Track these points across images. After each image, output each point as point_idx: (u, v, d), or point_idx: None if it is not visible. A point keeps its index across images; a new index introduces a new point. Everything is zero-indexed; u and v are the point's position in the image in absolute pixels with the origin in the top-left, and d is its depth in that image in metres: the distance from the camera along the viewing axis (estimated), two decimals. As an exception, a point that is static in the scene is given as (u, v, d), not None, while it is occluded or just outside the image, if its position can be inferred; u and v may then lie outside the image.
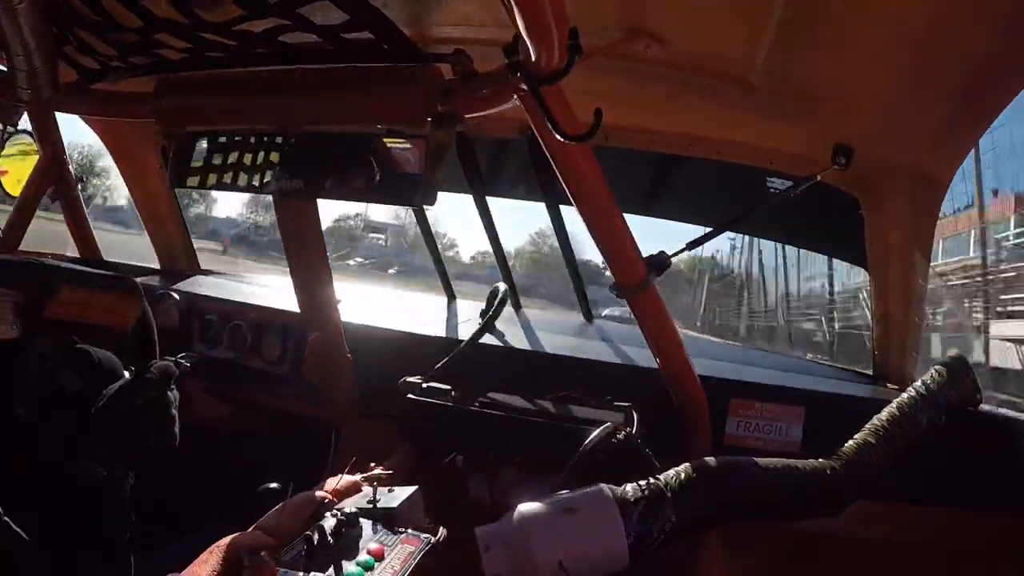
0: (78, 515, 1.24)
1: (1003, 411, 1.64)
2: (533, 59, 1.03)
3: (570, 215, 2.17)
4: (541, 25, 0.92)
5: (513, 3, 0.86)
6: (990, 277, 13.81)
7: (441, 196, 1.23)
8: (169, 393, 1.44)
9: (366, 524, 1.21)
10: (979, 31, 1.06)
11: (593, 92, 1.21)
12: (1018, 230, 14.86)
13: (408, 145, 1.25)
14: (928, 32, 1.09)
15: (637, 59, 1.32)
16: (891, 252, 1.65)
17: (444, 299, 2.69)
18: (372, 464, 1.60)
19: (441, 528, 1.26)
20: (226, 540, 1.06)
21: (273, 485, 1.47)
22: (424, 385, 1.69)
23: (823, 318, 17.47)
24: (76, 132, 2.46)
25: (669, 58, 1.32)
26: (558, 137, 1.14)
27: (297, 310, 1.85)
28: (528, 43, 0.99)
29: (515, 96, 1.18)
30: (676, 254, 1.55)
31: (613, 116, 1.13)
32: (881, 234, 1.65)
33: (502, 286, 2.20)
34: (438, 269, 2.74)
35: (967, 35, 1.08)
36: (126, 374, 1.40)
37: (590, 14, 1.07)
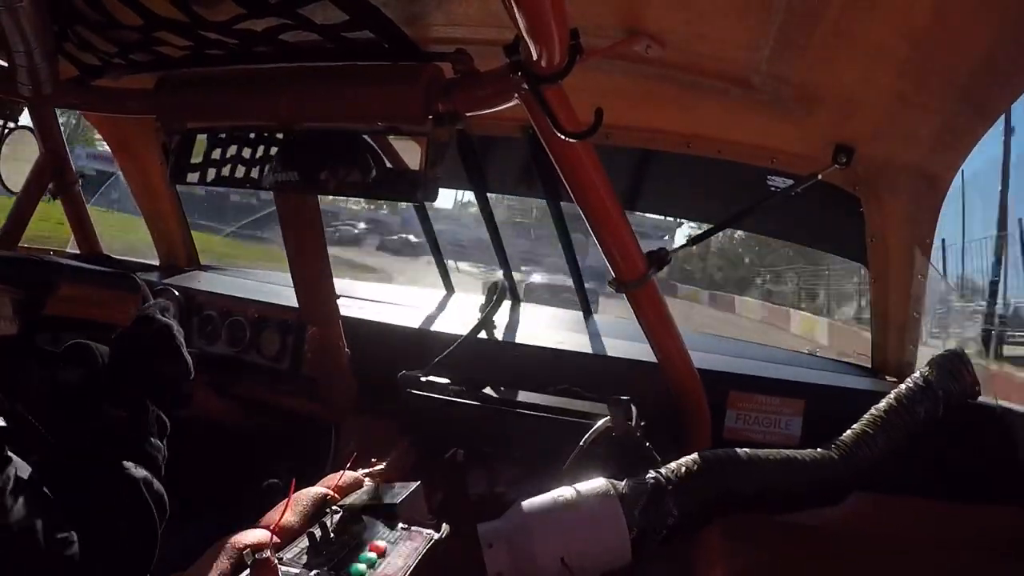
0: (108, 461, 1.24)
1: (1002, 403, 1.64)
2: (534, 58, 1.03)
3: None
4: (542, 25, 0.92)
5: (514, 3, 0.86)
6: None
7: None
8: (174, 321, 1.44)
9: (368, 520, 1.22)
10: (980, 30, 1.06)
11: (594, 91, 1.21)
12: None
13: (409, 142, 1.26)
14: (929, 32, 1.09)
15: (638, 59, 1.32)
16: (891, 250, 1.65)
17: (443, 293, 2.70)
18: (373, 460, 1.60)
19: (443, 524, 1.27)
20: (229, 538, 1.06)
21: (275, 481, 1.48)
22: (423, 380, 1.70)
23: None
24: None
25: (670, 58, 1.32)
26: (559, 135, 1.15)
27: (296, 305, 1.85)
28: (529, 43, 0.99)
29: (516, 95, 1.18)
30: (676, 250, 1.55)
31: (614, 115, 1.13)
32: (881, 232, 1.65)
33: (501, 280, 2.20)
34: (438, 263, 2.75)
35: (968, 34, 1.07)
36: None
37: (591, 14, 1.08)
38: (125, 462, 1.21)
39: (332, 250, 1.90)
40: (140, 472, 1.21)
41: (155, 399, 1.33)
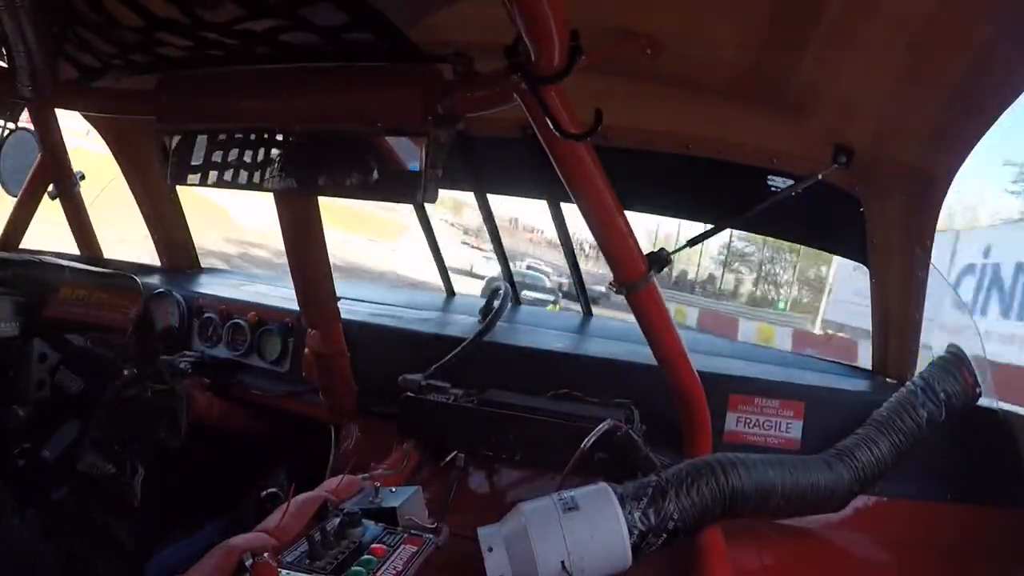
0: (84, 511, 1.25)
1: (1003, 406, 1.64)
2: (534, 60, 1.04)
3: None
4: (542, 27, 0.93)
5: (514, 5, 0.87)
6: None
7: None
8: (177, 387, 1.45)
9: (368, 524, 1.21)
10: (979, 31, 1.06)
11: (593, 92, 1.21)
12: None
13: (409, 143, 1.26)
14: (927, 33, 1.09)
15: (637, 60, 1.32)
16: (891, 251, 1.65)
17: (443, 296, 2.70)
18: (373, 463, 1.60)
19: (443, 527, 1.26)
20: (228, 542, 1.06)
21: (274, 490, 1.48)
22: (424, 383, 1.69)
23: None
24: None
25: (669, 59, 1.32)
26: (559, 136, 1.14)
27: (297, 308, 1.85)
28: (529, 44, 0.99)
29: (516, 96, 1.18)
30: (676, 251, 1.55)
31: (614, 116, 1.13)
32: (882, 233, 1.65)
33: (504, 284, 2.20)
34: (438, 265, 2.75)
35: (966, 36, 1.07)
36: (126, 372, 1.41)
37: (590, 16, 1.07)
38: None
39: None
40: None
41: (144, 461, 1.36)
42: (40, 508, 1.17)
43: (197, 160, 1.44)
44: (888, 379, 1.84)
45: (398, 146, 1.29)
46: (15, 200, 2.33)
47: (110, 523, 1.26)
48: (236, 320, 2.19)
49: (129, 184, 2.54)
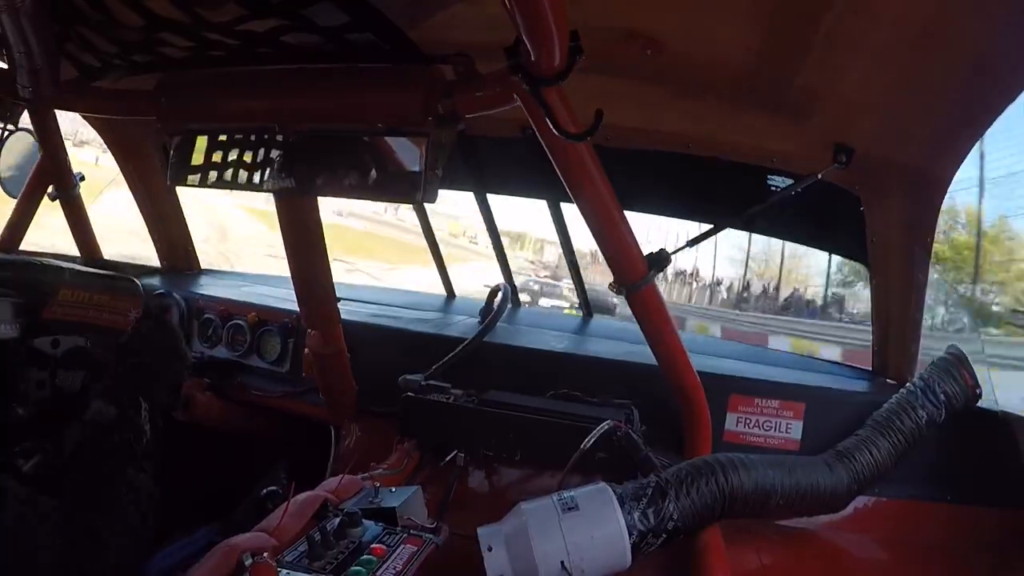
0: (95, 462, 1.26)
1: (1003, 407, 1.64)
2: (534, 60, 1.04)
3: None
4: (542, 27, 0.93)
5: (515, 6, 0.87)
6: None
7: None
8: (170, 321, 1.46)
9: (368, 524, 1.21)
10: (979, 31, 1.06)
11: (594, 92, 1.21)
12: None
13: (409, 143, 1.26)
14: (928, 32, 1.09)
15: (638, 61, 1.32)
16: (892, 250, 1.65)
17: (443, 297, 2.70)
18: (373, 463, 1.60)
19: (443, 527, 1.26)
20: (228, 541, 1.06)
21: (274, 488, 1.48)
22: (424, 383, 1.69)
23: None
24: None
25: (669, 60, 1.32)
26: (559, 136, 1.14)
27: (296, 308, 1.85)
28: (529, 45, 0.99)
29: (516, 96, 1.18)
30: (676, 251, 1.55)
31: (614, 116, 1.13)
32: (882, 232, 1.65)
33: (503, 285, 2.20)
34: (438, 266, 2.75)
35: (967, 35, 1.07)
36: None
37: (590, 16, 1.08)
38: (128, 468, 1.23)
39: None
40: (137, 477, 1.23)
41: (150, 397, 1.35)
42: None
43: (197, 160, 1.44)
44: (888, 380, 1.84)
45: (398, 147, 1.29)
46: (15, 201, 2.33)
47: (123, 472, 1.27)
48: (236, 320, 2.19)
49: (129, 185, 2.53)
